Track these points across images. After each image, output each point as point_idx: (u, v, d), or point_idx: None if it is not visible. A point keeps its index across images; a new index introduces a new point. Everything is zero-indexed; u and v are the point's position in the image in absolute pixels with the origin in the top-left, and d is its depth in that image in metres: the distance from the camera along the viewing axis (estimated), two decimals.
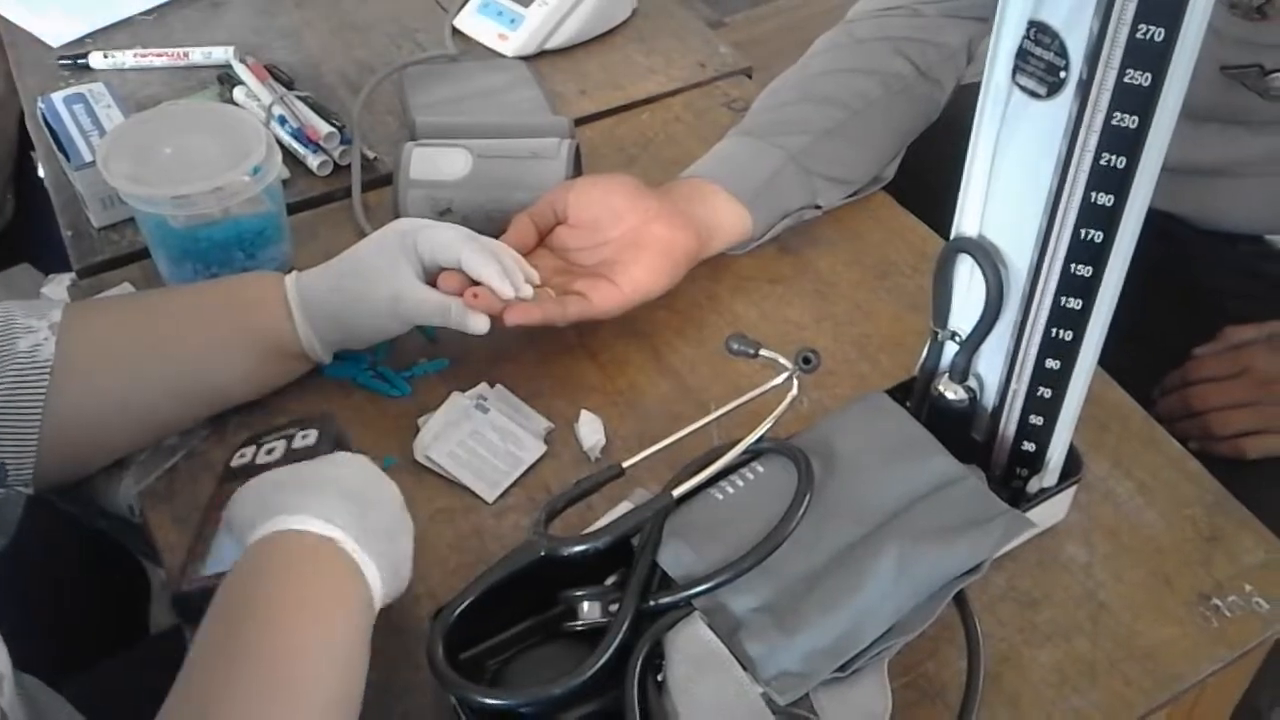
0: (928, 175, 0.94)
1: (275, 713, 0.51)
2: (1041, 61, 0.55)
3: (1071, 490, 0.68)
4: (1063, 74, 0.54)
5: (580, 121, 1.04)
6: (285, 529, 0.58)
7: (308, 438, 0.69)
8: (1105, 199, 0.55)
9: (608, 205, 0.81)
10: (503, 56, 1.12)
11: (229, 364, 0.75)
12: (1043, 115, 0.56)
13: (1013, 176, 0.59)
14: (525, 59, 1.12)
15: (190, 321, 0.75)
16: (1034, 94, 0.56)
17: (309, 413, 0.78)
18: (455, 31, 1.15)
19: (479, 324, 0.75)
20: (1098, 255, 0.57)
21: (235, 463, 0.70)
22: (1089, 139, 0.54)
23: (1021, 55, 0.56)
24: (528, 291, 0.75)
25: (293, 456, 0.68)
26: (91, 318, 0.74)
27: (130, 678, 0.82)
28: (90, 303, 0.81)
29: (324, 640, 0.55)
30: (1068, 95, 0.54)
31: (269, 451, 0.69)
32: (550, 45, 1.13)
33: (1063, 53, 0.54)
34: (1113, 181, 0.54)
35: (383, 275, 0.74)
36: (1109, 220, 0.55)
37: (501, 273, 0.74)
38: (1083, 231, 0.56)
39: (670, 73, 1.10)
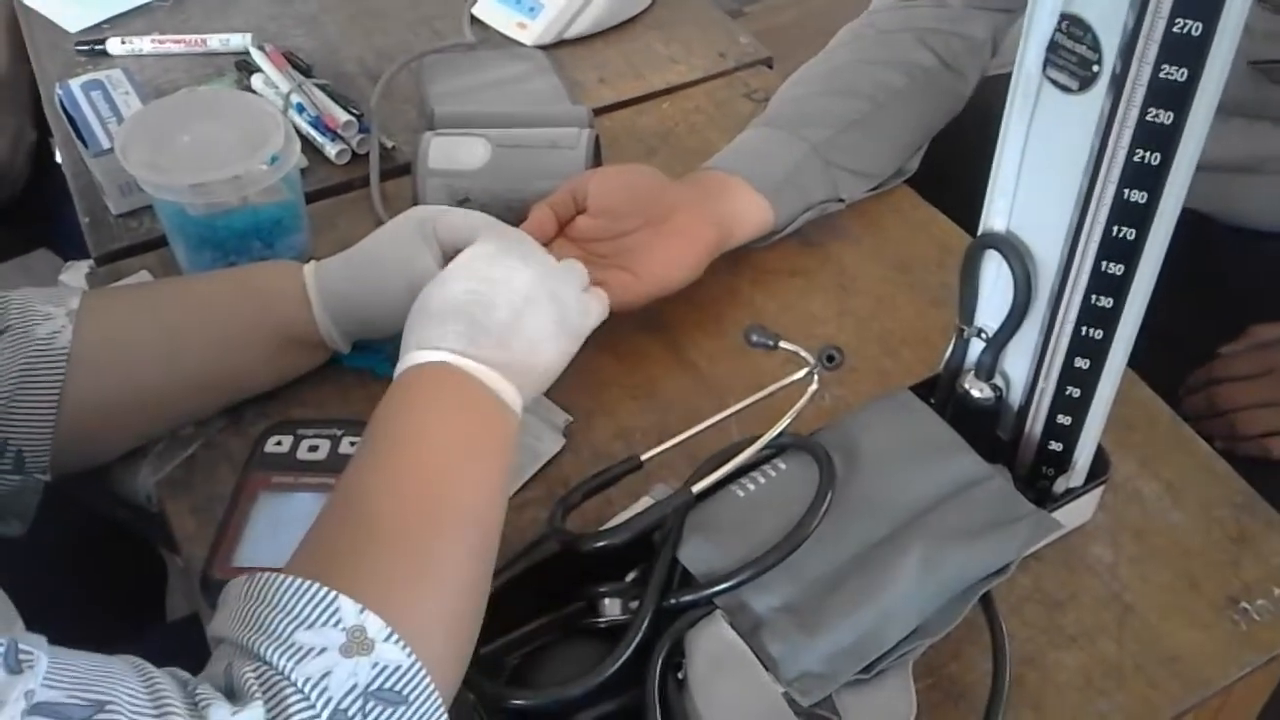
0: (951, 168, 0.93)
1: (423, 512, 0.56)
2: (1073, 55, 0.54)
3: (1099, 491, 0.67)
4: (1095, 68, 0.53)
5: (599, 111, 1.03)
6: (405, 368, 0.62)
7: (356, 445, 0.69)
8: (1139, 196, 0.54)
9: (629, 195, 0.80)
10: (521, 45, 1.12)
11: (246, 353, 0.74)
12: (1074, 109, 0.55)
13: (1042, 172, 0.58)
14: (544, 48, 1.11)
15: (208, 311, 0.74)
16: (1065, 88, 0.55)
17: (325, 403, 0.78)
18: (474, 20, 1.15)
19: None
20: (1130, 253, 0.56)
21: (269, 450, 0.70)
22: (1122, 134, 0.53)
23: (1053, 48, 0.54)
24: None
25: (339, 461, 0.69)
26: (109, 306, 0.74)
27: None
28: (108, 290, 0.80)
29: (449, 450, 0.59)
30: (1100, 89, 0.53)
31: (312, 449, 0.69)
32: (569, 34, 1.12)
33: (1096, 46, 0.53)
34: (1147, 178, 0.53)
35: (401, 264, 0.73)
36: (1142, 217, 0.54)
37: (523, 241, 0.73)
38: (1115, 229, 0.55)
39: (691, 62, 1.09)
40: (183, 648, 0.86)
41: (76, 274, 0.89)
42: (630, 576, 0.63)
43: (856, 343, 0.81)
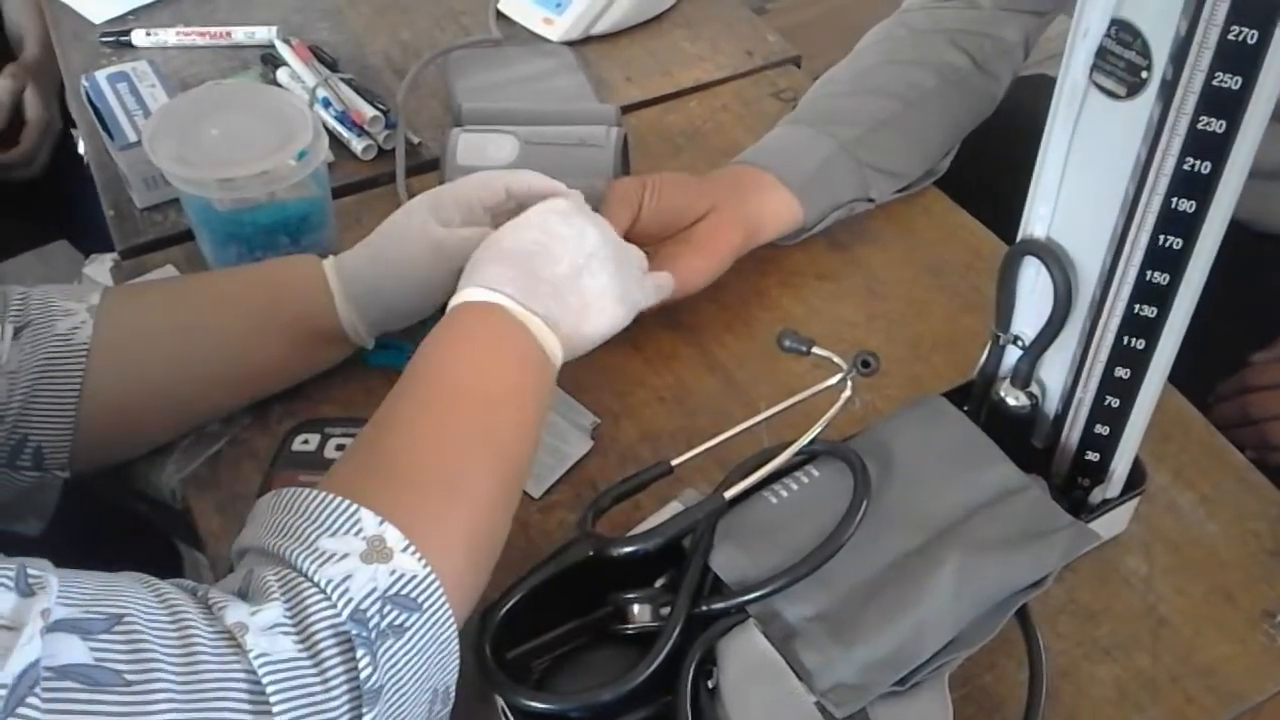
0: (982, 172, 0.92)
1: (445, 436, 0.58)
2: (1122, 61, 0.53)
3: (1134, 502, 0.66)
4: (1144, 74, 0.52)
5: (626, 109, 1.02)
6: (458, 303, 0.63)
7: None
8: (1187, 205, 0.53)
9: (686, 209, 0.80)
10: (547, 41, 1.11)
11: (268, 349, 0.73)
12: (1121, 116, 0.54)
13: (1086, 179, 0.57)
14: (570, 44, 1.10)
15: (229, 307, 0.73)
16: (1112, 94, 0.54)
17: (351, 401, 0.77)
18: (500, 15, 1.14)
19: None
20: (1176, 263, 0.55)
21: (297, 448, 0.69)
22: (1172, 142, 0.52)
23: (1100, 54, 0.54)
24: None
25: None
26: (130, 302, 0.73)
27: None
28: (129, 286, 0.80)
29: (490, 388, 0.61)
30: (1149, 96, 0.52)
31: (339, 448, 0.69)
32: (596, 31, 1.11)
33: (1145, 52, 0.52)
34: (1196, 187, 0.52)
35: (416, 232, 0.72)
36: (1189, 227, 0.53)
37: (552, 181, 0.74)
38: (1161, 238, 0.54)
39: (718, 60, 1.08)
40: None
41: (101, 267, 0.88)
42: (659, 582, 0.63)
43: (887, 347, 0.81)
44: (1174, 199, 0.53)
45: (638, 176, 0.80)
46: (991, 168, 0.86)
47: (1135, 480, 0.65)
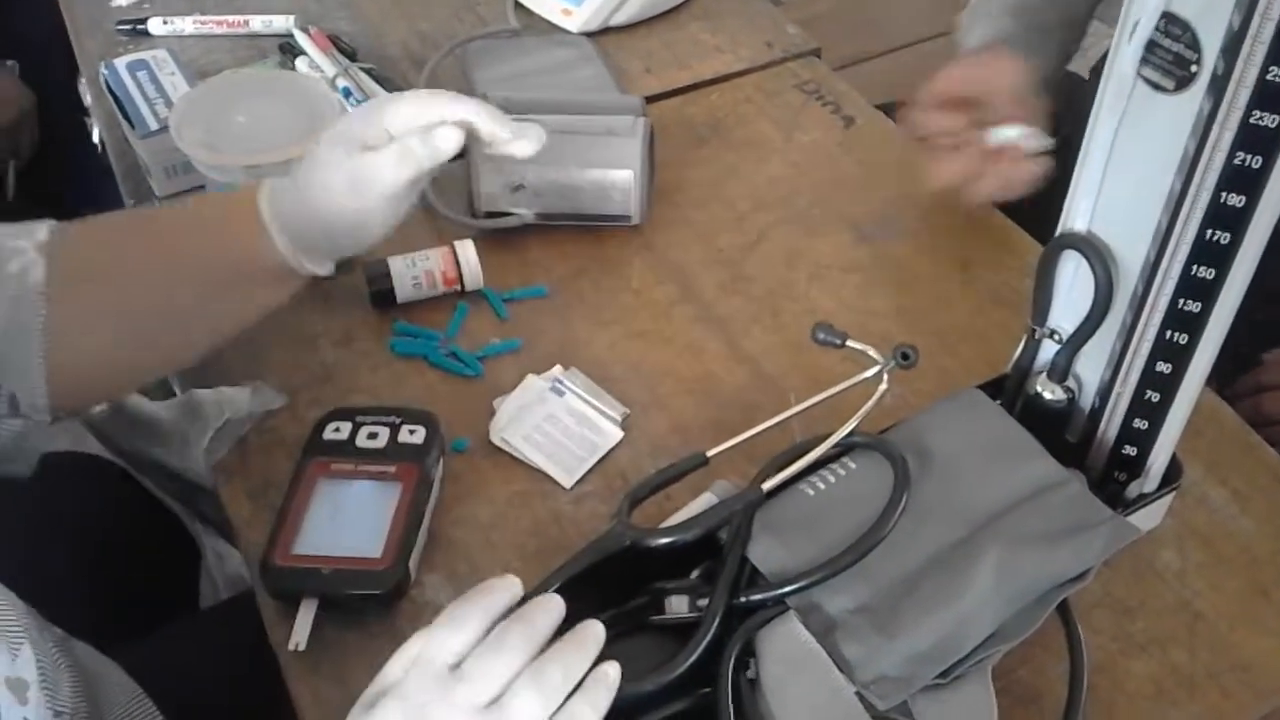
0: None
1: None
2: (1170, 54, 0.53)
3: (1169, 497, 0.66)
4: (1193, 68, 0.52)
5: (646, 101, 1.02)
6: None
7: (415, 434, 0.70)
8: (1236, 200, 0.53)
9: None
10: (566, 32, 1.10)
11: (220, 285, 0.70)
12: (1168, 110, 0.54)
13: (1130, 173, 0.57)
14: (588, 35, 1.10)
15: (177, 239, 0.71)
16: (1160, 87, 0.54)
17: (379, 390, 0.77)
18: (518, 5, 1.13)
19: (519, 139, 0.72)
20: (1223, 257, 0.55)
21: (328, 436, 0.69)
22: (1222, 137, 0.52)
23: (1149, 47, 0.53)
24: (525, 147, 0.72)
25: (398, 450, 0.69)
26: (79, 238, 0.70)
27: (181, 650, 0.82)
28: (77, 223, 0.74)
29: None
30: (1198, 90, 0.52)
31: (371, 436, 0.69)
32: (615, 22, 1.11)
33: (1195, 45, 0.52)
34: (1246, 182, 0.52)
35: (335, 158, 0.68)
36: (1238, 221, 0.53)
37: (492, 115, 0.71)
38: (1208, 232, 0.54)
39: (738, 52, 1.08)
40: (215, 634, 0.86)
41: None
42: (694, 574, 0.62)
43: (914, 340, 0.78)
44: (1223, 194, 0.53)
45: None
46: None
47: (1171, 475, 0.65)
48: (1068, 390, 0.65)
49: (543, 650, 0.51)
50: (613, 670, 0.52)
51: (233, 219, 0.71)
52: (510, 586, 0.53)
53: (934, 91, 0.86)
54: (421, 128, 0.68)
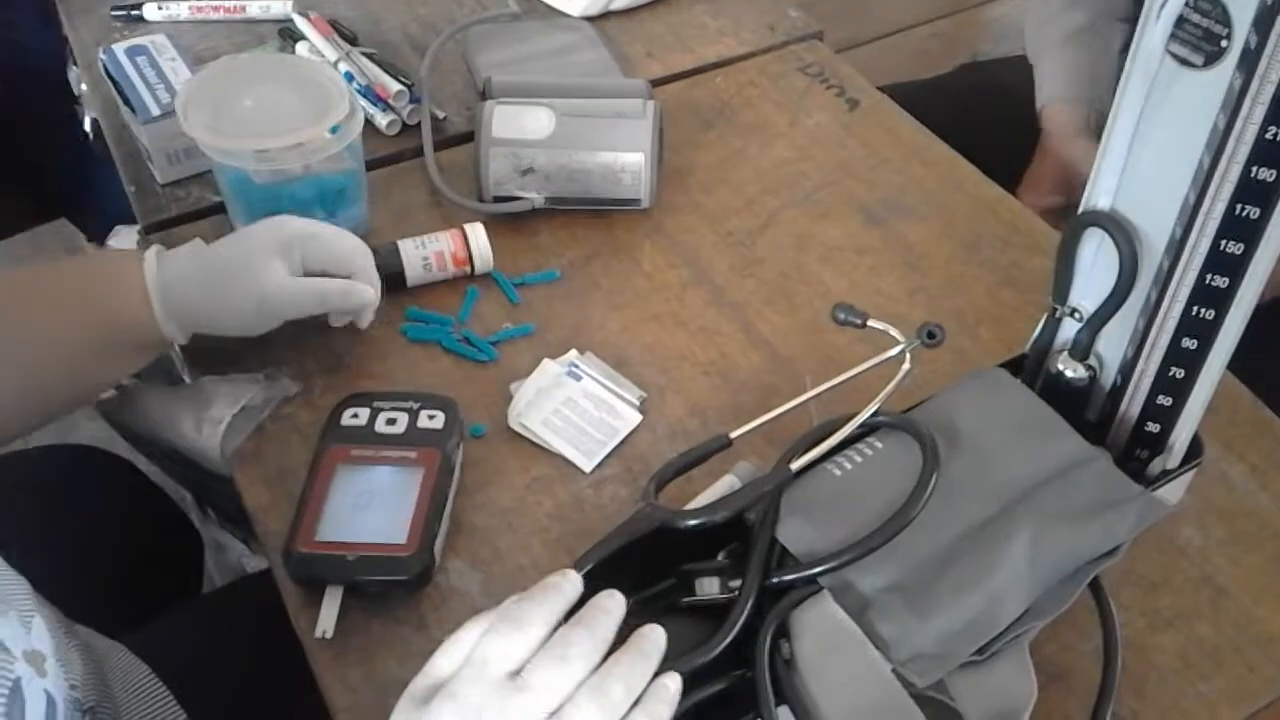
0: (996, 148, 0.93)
1: None
2: (1199, 29, 0.53)
3: (1191, 473, 0.66)
4: (1224, 43, 0.52)
5: (651, 84, 1.01)
6: None
7: (435, 419, 0.69)
8: (1268, 174, 0.53)
9: None
10: (567, 16, 1.10)
11: (76, 351, 0.69)
12: (1197, 85, 0.54)
13: (1157, 149, 0.57)
14: (590, 19, 1.09)
15: (38, 301, 0.69)
16: (1188, 63, 0.54)
17: (392, 375, 0.77)
18: None
19: (369, 294, 0.74)
20: (1253, 232, 0.55)
21: (346, 422, 0.69)
22: (1254, 111, 0.52)
23: (1178, 23, 0.53)
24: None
25: (418, 435, 0.68)
26: None
27: (186, 634, 0.81)
28: None
29: None
30: (1228, 65, 0.52)
31: (390, 421, 0.68)
32: (616, 6, 1.10)
33: (1225, 20, 0.52)
34: (1278, 155, 0.52)
35: (253, 276, 0.69)
36: (1268, 195, 0.53)
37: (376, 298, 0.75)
38: (1238, 207, 0.54)
39: (740, 36, 1.08)
40: (220, 619, 0.86)
41: (127, 238, 0.86)
42: (721, 555, 0.62)
43: (930, 321, 0.80)
44: (1254, 168, 0.53)
45: None
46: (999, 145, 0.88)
47: (1193, 451, 0.65)
48: (1089, 368, 0.65)
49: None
50: (673, 683, 0.51)
51: (113, 285, 0.69)
52: (573, 584, 0.52)
53: (1030, 202, 0.99)
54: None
